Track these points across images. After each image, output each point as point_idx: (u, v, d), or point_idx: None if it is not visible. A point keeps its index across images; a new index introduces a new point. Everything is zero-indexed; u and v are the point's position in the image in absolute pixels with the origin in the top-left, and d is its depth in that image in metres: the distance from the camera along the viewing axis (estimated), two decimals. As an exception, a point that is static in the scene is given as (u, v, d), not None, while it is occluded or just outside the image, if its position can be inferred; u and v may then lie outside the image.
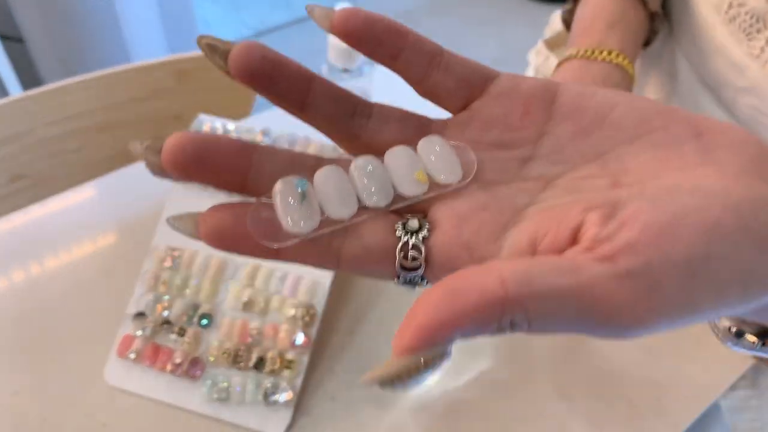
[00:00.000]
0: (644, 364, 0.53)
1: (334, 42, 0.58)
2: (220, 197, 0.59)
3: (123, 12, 1.48)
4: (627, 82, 0.46)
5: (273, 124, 0.55)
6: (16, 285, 0.59)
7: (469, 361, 0.53)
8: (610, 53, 0.46)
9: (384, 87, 0.76)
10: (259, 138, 0.54)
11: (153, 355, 0.50)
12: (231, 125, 0.55)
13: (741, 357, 0.54)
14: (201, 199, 0.56)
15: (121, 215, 0.65)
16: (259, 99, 0.93)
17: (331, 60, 0.59)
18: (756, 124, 0.46)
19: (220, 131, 0.55)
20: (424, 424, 0.49)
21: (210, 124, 0.55)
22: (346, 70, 0.60)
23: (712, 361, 0.53)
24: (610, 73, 0.45)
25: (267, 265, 0.52)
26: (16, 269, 0.60)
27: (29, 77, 1.61)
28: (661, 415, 0.50)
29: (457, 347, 0.53)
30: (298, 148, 0.54)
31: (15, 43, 1.62)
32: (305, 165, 0.23)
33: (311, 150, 0.53)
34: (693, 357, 0.53)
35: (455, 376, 0.52)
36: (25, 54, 1.61)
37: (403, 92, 0.75)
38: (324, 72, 0.61)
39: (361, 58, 0.59)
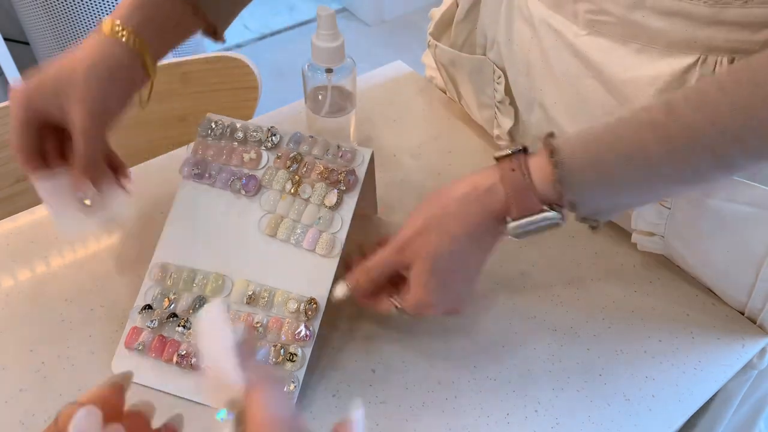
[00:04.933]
0: (640, 361, 0.54)
1: (317, 42, 0.58)
2: (227, 194, 0.60)
3: (128, 16, 1.49)
4: (131, 60, 0.49)
5: (276, 125, 0.56)
6: (22, 283, 0.60)
7: (465, 359, 0.54)
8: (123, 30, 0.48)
9: (365, 88, 0.77)
10: (266, 136, 0.55)
11: (160, 347, 0.51)
12: (239, 123, 0.56)
13: (734, 356, 0.55)
14: (209, 197, 0.57)
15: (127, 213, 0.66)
16: (261, 102, 0.95)
17: (314, 60, 0.60)
18: (598, 26, 0.51)
19: (228, 129, 0.56)
20: (423, 421, 0.50)
21: (218, 122, 0.56)
22: (329, 70, 0.60)
23: (705, 359, 0.54)
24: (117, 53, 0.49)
25: (270, 260, 0.53)
26: (22, 268, 0.61)
27: (34, 79, 1.62)
28: (655, 411, 0.51)
29: (457, 342, 0.55)
30: (303, 147, 0.55)
31: (20, 45, 1.63)
32: None
33: (315, 150, 0.54)
34: (687, 355, 0.55)
35: (453, 376, 0.53)
36: (30, 56, 1.62)
37: (381, 94, 0.78)
38: (306, 71, 0.62)
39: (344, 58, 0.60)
